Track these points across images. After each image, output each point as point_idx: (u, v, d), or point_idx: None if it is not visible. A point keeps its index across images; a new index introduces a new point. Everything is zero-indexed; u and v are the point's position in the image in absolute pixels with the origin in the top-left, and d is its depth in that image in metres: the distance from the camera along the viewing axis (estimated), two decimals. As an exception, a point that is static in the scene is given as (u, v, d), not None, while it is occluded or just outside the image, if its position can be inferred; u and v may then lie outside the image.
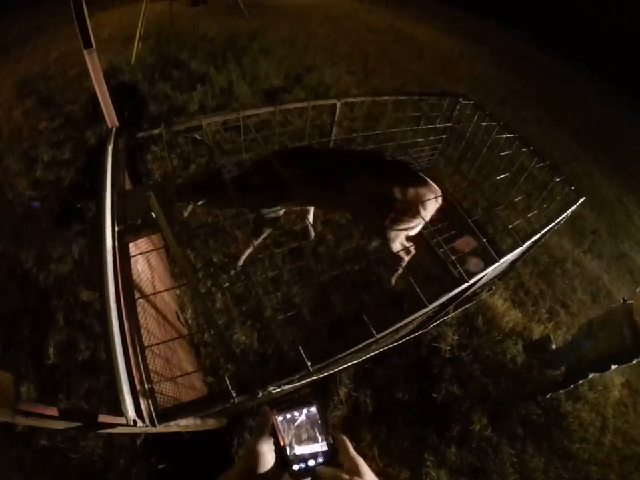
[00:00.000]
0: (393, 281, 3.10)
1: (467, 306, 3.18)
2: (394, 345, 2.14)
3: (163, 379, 1.41)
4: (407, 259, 2.81)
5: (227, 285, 2.88)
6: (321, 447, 0.73)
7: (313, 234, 3.32)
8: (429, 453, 2.55)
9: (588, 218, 5.38)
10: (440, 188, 2.57)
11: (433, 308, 1.59)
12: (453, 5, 12.06)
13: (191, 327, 2.73)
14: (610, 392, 3.27)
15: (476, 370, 3.00)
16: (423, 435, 2.62)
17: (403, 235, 2.62)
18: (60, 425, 0.88)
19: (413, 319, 1.55)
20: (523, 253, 3.17)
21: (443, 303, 2.07)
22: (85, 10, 1.59)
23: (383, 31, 8.96)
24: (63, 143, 4.17)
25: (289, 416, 0.75)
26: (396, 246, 2.63)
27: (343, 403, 2.62)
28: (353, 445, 0.74)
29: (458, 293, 1.75)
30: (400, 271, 3.02)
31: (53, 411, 0.85)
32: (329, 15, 9.16)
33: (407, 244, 2.77)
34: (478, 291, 3.26)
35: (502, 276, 3.56)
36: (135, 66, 5.48)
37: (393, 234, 2.55)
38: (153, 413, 1.11)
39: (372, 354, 1.84)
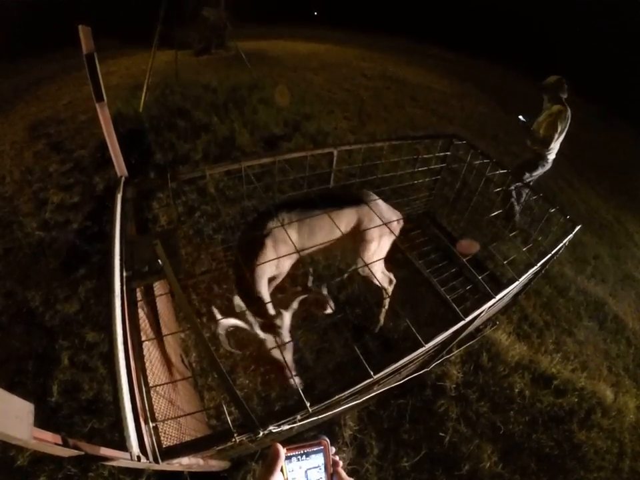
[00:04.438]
0: (382, 319, 3.13)
1: (471, 343, 3.18)
2: (396, 384, 2.15)
3: (167, 418, 1.43)
4: (390, 289, 2.84)
5: (230, 329, 2.89)
6: None
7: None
8: None
9: (588, 243, 5.41)
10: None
11: (431, 347, 1.61)
12: (443, 46, 12.49)
13: (195, 370, 2.75)
14: (625, 416, 3.22)
15: (483, 407, 2.95)
16: (431, 476, 2.56)
17: (380, 263, 2.67)
18: (69, 452, 0.91)
19: (411, 359, 1.57)
20: (524, 286, 3.20)
21: (444, 342, 2.10)
22: (98, 67, 1.71)
23: (376, 76, 9.35)
24: (72, 186, 4.32)
25: (297, 454, 0.77)
26: (380, 276, 2.67)
27: (348, 446, 2.58)
28: None
29: (456, 331, 1.78)
30: (387, 305, 3.06)
31: (65, 440, 0.89)
32: (324, 63, 9.56)
33: (388, 273, 2.81)
34: (481, 327, 3.27)
35: (505, 310, 3.57)
36: (142, 114, 5.72)
37: (372, 265, 2.60)
38: (157, 450, 1.13)
39: (373, 394, 1.83)
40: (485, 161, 3.02)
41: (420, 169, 3.25)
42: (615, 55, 11.62)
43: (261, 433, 1.20)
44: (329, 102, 7.40)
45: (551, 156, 4.36)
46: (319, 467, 0.78)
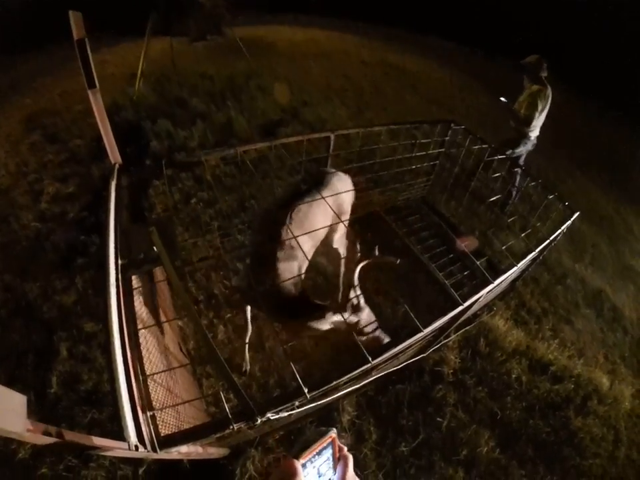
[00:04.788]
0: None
1: (468, 328, 3.20)
2: (394, 370, 2.15)
3: (164, 407, 1.43)
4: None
5: (228, 316, 2.91)
6: (332, 474, 0.79)
7: None
8: (436, 479, 2.51)
9: (587, 233, 5.43)
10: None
11: (429, 332, 1.62)
12: (443, 37, 12.38)
13: (194, 358, 2.75)
14: (620, 404, 3.26)
15: (480, 393, 2.97)
16: (429, 460, 2.59)
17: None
18: (64, 444, 0.90)
19: (409, 345, 1.57)
20: (522, 272, 3.21)
21: (442, 327, 2.10)
22: (89, 52, 1.68)
23: (376, 64, 9.24)
24: (68, 177, 4.29)
25: (310, 457, 0.76)
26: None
27: (347, 431, 2.60)
28: (356, 472, 0.78)
29: (454, 316, 1.78)
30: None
31: (59, 432, 0.88)
32: (323, 51, 9.46)
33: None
34: (478, 312, 3.28)
35: (502, 296, 3.59)
36: (137, 103, 5.67)
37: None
38: (154, 439, 1.13)
39: (371, 379, 1.84)
40: (484, 146, 3.01)
41: (418, 154, 3.24)
42: (615, 50, 11.53)
43: (259, 420, 1.20)
44: (327, 89, 7.33)
45: (533, 134, 4.38)
46: (327, 459, 0.79)
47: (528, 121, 4.20)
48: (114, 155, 2.05)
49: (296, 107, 6.28)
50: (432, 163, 3.62)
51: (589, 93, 10.88)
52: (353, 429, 2.62)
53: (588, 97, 10.85)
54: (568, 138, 8.27)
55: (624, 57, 11.47)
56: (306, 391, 1.27)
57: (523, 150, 4.45)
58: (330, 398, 1.46)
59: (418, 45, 11.66)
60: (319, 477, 0.77)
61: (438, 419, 2.77)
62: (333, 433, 0.79)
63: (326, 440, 0.77)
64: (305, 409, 1.37)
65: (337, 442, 0.79)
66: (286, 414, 1.26)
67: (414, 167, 3.38)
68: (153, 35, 6.04)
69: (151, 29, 5.93)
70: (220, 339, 2.87)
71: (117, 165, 2.05)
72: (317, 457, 0.76)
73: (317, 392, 1.31)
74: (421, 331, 1.54)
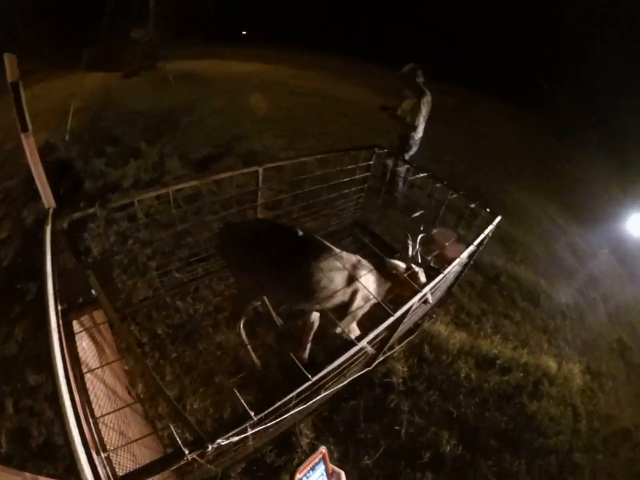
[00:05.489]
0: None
1: (411, 338, 3.29)
2: (343, 386, 2.21)
3: (118, 447, 1.43)
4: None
5: (174, 355, 2.89)
6: None
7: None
8: None
9: (516, 234, 5.71)
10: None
11: (365, 345, 1.70)
12: (374, 62, 12.84)
13: (144, 401, 2.65)
14: (572, 382, 3.43)
15: (433, 396, 3.04)
16: (394, 469, 2.61)
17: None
18: None
19: (347, 359, 1.65)
20: (456, 279, 3.39)
21: (382, 339, 2.21)
22: (23, 96, 1.69)
23: (311, 93, 9.49)
24: (0, 221, 4.11)
25: (306, 472, 0.85)
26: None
27: (307, 454, 2.56)
28: None
29: (391, 327, 1.89)
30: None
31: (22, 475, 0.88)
32: (257, 82, 9.63)
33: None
34: (419, 322, 3.42)
35: (440, 304, 3.73)
36: (69, 142, 5.54)
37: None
38: (111, 479, 1.14)
39: (321, 397, 1.90)
40: (406, 167, 3.22)
41: (345, 180, 3.40)
42: (522, 53, 12.46)
43: (210, 447, 1.22)
44: (261, 121, 7.45)
45: (418, 135, 4.75)
46: (322, 475, 0.88)
47: (415, 126, 4.58)
48: (48, 199, 2.03)
49: (230, 141, 6.35)
50: (360, 187, 3.81)
51: (517, 104, 11.67)
52: (313, 451, 2.59)
53: (518, 108, 11.66)
54: (490, 148, 8.85)
55: (546, 66, 12.37)
56: (252, 413, 1.31)
57: (412, 152, 4.82)
58: (280, 419, 1.50)
59: (350, 71, 12.06)
60: None
61: (395, 427, 2.81)
62: (323, 449, 0.88)
63: (317, 456, 0.88)
64: (257, 432, 1.41)
65: (327, 458, 0.90)
66: (236, 438, 1.30)
67: (343, 191, 3.53)
68: (87, 70, 5.95)
69: (84, 64, 5.86)
70: (168, 379, 2.80)
71: (50, 209, 2.03)
72: (311, 472, 0.85)
73: (263, 413, 1.35)
74: (355, 344, 1.62)
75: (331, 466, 0.90)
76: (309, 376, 1.45)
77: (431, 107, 4.63)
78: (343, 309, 2.45)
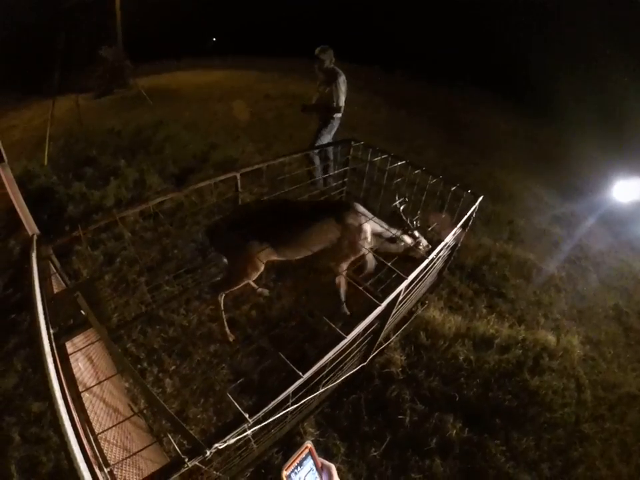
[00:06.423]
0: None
1: (405, 326, 3.32)
2: (342, 381, 2.21)
3: (120, 460, 1.44)
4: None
5: (173, 368, 2.90)
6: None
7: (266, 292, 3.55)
8: (415, 472, 2.53)
9: (501, 212, 5.74)
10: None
11: (354, 338, 1.72)
12: (342, 59, 12.85)
13: (147, 416, 2.66)
14: (572, 353, 3.43)
15: (433, 382, 3.05)
16: (402, 458, 2.62)
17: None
18: None
19: (338, 353, 1.66)
20: (445, 263, 3.42)
21: (374, 330, 2.23)
22: None
23: (279, 96, 9.51)
24: (-14, 253, 4.06)
25: (294, 468, 0.84)
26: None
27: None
28: None
29: (381, 317, 1.90)
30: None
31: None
32: (226, 90, 9.64)
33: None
34: (413, 309, 3.45)
35: (432, 289, 3.77)
36: (48, 168, 5.53)
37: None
38: None
39: (320, 393, 1.92)
40: (384, 156, 3.26)
41: (325, 176, 3.44)
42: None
43: (208, 452, 1.24)
44: (234, 128, 7.48)
45: (338, 115, 4.85)
46: (311, 469, 0.86)
47: (339, 107, 4.70)
48: (30, 227, 2.05)
49: (206, 151, 6.37)
50: (341, 182, 3.84)
51: (483, 87, 11.73)
52: (319, 448, 2.59)
53: (483, 90, 11.71)
54: (468, 134, 8.92)
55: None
56: (247, 415, 1.32)
57: (334, 131, 4.93)
58: (276, 416, 1.52)
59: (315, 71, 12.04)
60: None
61: (399, 417, 2.81)
62: (309, 443, 0.87)
63: (303, 451, 0.86)
64: (258, 435, 1.42)
65: (315, 452, 0.87)
66: (233, 441, 1.31)
67: (324, 188, 3.57)
68: (59, 94, 5.93)
69: (54, 89, 5.84)
70: (169, 392, 2.81)
71: (34, 236, 2.04)
72: (299, 467, 0.84)
73: (257, 415, 1.36)
74: (344, 338, 1.64)
75: (320, 460, 0.90)
76: (300, 373, 1.47)
77: (347, 86, 4.73)
78: (336, 251, 3.04)
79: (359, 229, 3.01)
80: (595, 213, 6.17)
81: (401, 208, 3.11)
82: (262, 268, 2.91)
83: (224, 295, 3.04)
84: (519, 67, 11.35)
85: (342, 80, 4.62)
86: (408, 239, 3.17)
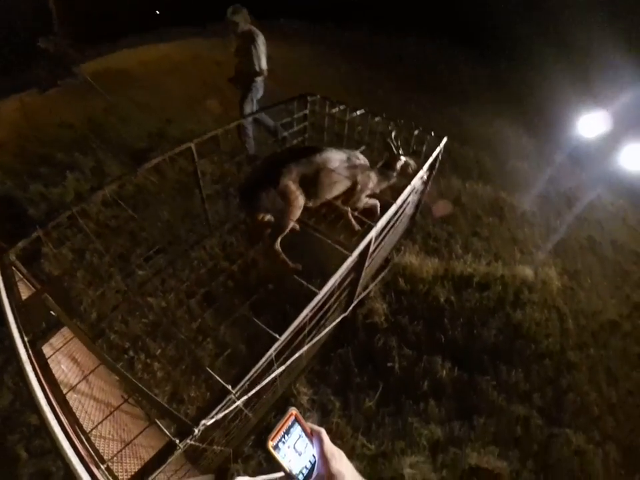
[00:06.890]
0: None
1: (384, 275, 3.37)
2: (326, 334, 2.25)
3: (118, 456, 1.46)
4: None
5: (159, 351, 2.90)
6: (312, 449, 0.84)
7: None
8: (411, 416, 2.62)
9: (468, 154, 5.77)
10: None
11: (327, 292, 1.73)
12: (288, 18, 12.35)
13: (143, 404, 2.70)
14: (551, 284, 3.56)
15: (417, 326, 3.13)
16: (397, 404, 2.71)
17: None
18: None
19: (313, 309, 1.68)
20: (416, 207, 3.45)
21: (351, 281, 2.26)
22: None
23: (229, 62, 9.04)
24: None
25: (280, 437, 0.80)
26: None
27: (311, 410, 2.65)
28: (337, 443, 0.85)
29: (355, 268, 1.91)
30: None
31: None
32: (175, 63, 9.27)
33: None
34: (389, 257, 3.50)
35: (407, 235, 3.81)
36: (1, 175, 5.30)
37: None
38: None
39: (303, 351, 1.96)
40: (342, 107, 3.22)
41: (285, 134, 3.39)
42: None
43: (197, 430, 1.24)
44: (188, 100, 7.24)
45: (260, 78, 4.71)
46: (300, 436, 0.83)
47: (263, 69, 4.57)
48: (-8, 236, 1.99)
49: (161, 127, 6.17)
50: (301, 138, 3.80)
51: (438, 33, 11.47)
52: (315, 407, 2.67)
53: (440, 37, 11.44)
54: (429, 80, 8.87)
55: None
56: (229, 387, 1.34)
57: (261, 92, 4.85)
58: (263, 382, 1.55)
59: (269, 32, 11.63)
60: (300, 454, 0.81)
61: (389, 364, 2.90)
62: (293, 410, 0.83)
63: (288, 418, 0.82)
64: (251, 404, 1.43)
65: (301, 418, 0.84)
66: (221, 415, 1.34)
67: (285, 147, 3.51)
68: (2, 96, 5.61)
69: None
70: (160, 376, 2.81)
71: (-4, 246, 1.99)
72: (286, 436, 0.80)
73: (241, 384, 1.37)
74: (317, 293, 1.66)
75: (309, 425, 0.86)
76: (277, 336, 1.49)
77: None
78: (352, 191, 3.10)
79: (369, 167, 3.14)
80: (563, 149, 6.24)
81: (392, 134, 3.14)
82: (302, 201, 2.89)
83: (279, 241, 3.01)
84: (482, 14, 11.07)
85: (261, 41, 4.42)
86: (398, 165, 3.25)
